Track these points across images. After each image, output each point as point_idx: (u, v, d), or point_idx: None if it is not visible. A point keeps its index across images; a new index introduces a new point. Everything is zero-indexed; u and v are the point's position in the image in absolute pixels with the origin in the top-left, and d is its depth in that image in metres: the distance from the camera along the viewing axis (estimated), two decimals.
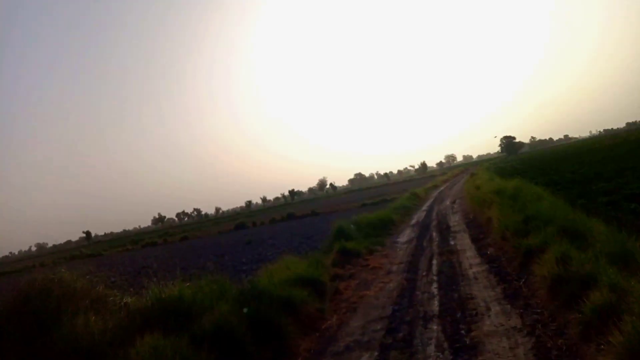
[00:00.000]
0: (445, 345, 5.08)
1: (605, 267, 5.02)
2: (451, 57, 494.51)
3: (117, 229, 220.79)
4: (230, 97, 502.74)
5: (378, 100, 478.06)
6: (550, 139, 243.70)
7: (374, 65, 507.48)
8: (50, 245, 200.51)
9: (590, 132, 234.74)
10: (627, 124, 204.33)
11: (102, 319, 5.59)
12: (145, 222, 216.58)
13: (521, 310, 5.69)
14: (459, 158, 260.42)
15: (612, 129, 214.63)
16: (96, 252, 55.26)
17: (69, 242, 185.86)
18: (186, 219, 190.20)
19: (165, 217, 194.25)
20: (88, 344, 5.02)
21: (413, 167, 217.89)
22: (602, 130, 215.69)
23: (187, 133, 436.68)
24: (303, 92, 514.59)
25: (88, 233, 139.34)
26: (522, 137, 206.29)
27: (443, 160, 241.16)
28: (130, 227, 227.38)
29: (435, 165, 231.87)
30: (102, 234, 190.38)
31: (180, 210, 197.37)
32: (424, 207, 25.32)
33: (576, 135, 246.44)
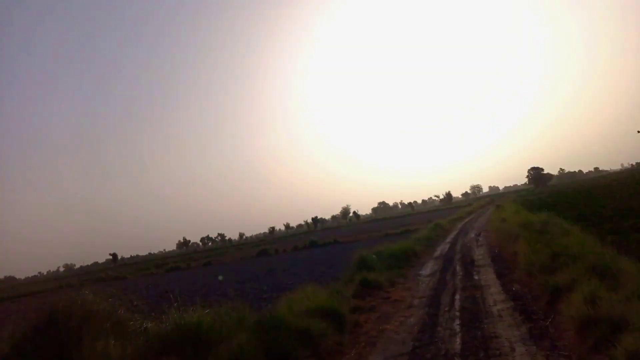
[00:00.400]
0: None
1: (638, 309, 4.81)
2: (481, 85, 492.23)
3: (143, 252, 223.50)
4: (254, 121, 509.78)
5: (403, 129, 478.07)
6: (580, 171, 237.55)
7: (404, 91, 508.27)
8: (77, 266, 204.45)
9: (622, 165, 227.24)
10: None
11: (122, 344, 5.64)
12: (171, 245, 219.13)
13: (547, 352, 5.46)
14: (485, 189, 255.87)
15: None
16: (121, 274, 56.03)
17: (95, 263, 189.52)
18: (210, 243, 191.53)
19: (190, 241, 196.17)
20: None
21: (438, 197, 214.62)
22: (634, 164, 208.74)
23: (215, 158, 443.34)
24: (333, 113, 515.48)
25: (114, 255, 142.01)
26: (551, 169, 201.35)
27: (469, 191, 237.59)
28: (155, 251, 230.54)
29: (460, 196, 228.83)
30: (128, 256, 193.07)
31: (204, 235, 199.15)
32: (448, 239, 24.89)
33: (607, 168, 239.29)
